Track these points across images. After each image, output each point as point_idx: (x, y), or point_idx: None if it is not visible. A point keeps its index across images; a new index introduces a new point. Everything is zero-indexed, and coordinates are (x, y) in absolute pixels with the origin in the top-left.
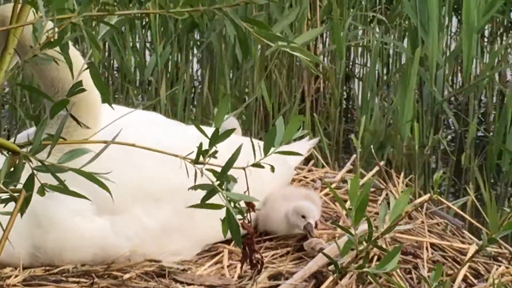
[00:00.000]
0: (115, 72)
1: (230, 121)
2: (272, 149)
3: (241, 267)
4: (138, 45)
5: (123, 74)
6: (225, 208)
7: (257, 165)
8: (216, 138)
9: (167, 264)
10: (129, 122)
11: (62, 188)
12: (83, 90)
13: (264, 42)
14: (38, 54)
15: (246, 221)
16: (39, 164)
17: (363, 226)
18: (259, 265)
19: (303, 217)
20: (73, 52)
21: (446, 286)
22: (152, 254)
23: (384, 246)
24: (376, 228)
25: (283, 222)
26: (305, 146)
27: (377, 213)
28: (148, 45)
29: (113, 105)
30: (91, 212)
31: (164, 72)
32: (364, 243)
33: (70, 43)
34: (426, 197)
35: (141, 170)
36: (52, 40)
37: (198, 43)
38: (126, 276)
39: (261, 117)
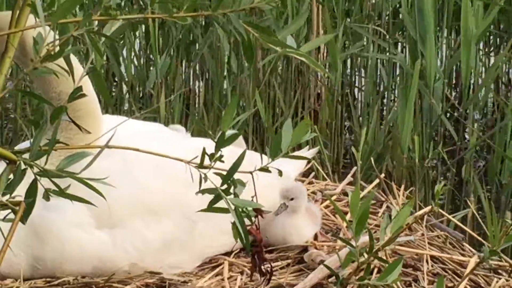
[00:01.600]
0: (114, 83)
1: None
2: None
3: (251, 276)
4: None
5: (122, 86)
6: (227, 218)
7: (264, 169)
8: (222, 142)
9: (167, 276)
10: (130, 132)
11: (64, 193)
12: (84, 95)
13: (270, 48)
14: (39, 67)
15: (254, 227)
16: (39, 170)
17: (364, 238)
18: (268, 274)
19: (292, 199)
20: (73, 60)
21: None
22: (152, 268)
23: (384, 258)
24: (377, 240)
25: (280, 234)
26: (305, 155)
27: (377, 226)
28: (146, 56)
29: (114, 115)
30: (90, 225)
31: (164, 83)
32: (365, 255)
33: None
34: (427, 209)
35: (141, 183)
36: (52, 53)
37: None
38: None
39: (257, 128)
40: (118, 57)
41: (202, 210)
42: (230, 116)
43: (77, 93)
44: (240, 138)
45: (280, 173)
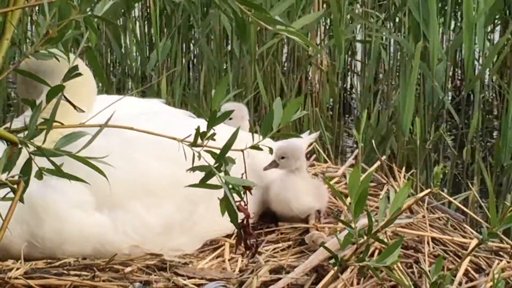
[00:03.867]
0: (117, 65)
1: (239, 107)
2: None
3: (235, 250)
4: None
5: (123, 68)
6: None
7: (255, 147)
8: (214, 120)
9: (168, 258)
10: (131, 112)
11: (60, 172)
12: (79, 74)
13: (262, 25)
14: (40, 50)
15: (243, 203)
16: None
17: (364, 220)
18: (253, 248)
19: (283, 158)
20: None
21: (447, 279)
22: (153, 251)
23: (385, 240)
24: (377, 221)
25: (288, 210)
26: (305, 140)
27: (378, 208)
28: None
29: (111, 95)
30: (90, 206)
31: (165, 66)
32: (365, 237)
33: None
34: (426, 191)
35: (141, 165)
36: (53, 36)
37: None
38: (128, 269)
39: (259, 110)
40: (119, 38)
41: (193, 185)
42: (221, 94)
43: (73, 72)
44: (243, 106)
45: (271, 150)
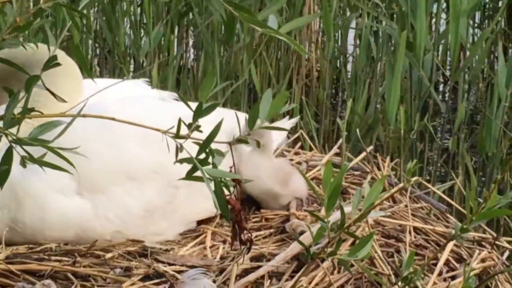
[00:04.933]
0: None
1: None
2: (258, 123)
3: (231, 245)
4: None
5: (116, 54)
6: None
7: (241, 140)
8: (200, 112)
9: (149, 244)
10: (117, 97)
11: (37, 161)
12: (58, 64)
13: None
14: (7, 39)
15: (234, 197)
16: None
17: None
18: (248, 243)
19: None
20: None
21: (418, 275)
22: (135, 235)
23: (366, 229)
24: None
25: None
26: (285, 125)
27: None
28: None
29: (99, 79)
30: (71, 190)
31: (157, 53)
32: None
33: None
34: (399, 186)
35: (123, 150)
36: (20, 24)
37: (191, 27)
38: (108, 255)
39: (250, 98)
40: (110, 25)
41: (181, 179)
42: (209, 86)
43: (52, 62)
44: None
45: (258, 144)
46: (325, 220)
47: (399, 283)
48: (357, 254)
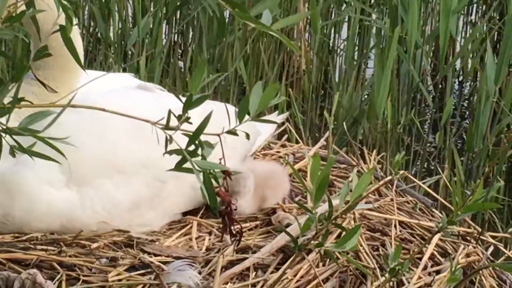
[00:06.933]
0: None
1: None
2: (247, 116)
3: (221, 237)
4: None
5: (107, 44)
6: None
7: (231, 132)
8: (189, 104)
9: (135, 235)
10: (106, 89)
11: (27, 150)
12: (49, 54)
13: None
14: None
15: (223, 189)
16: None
17: (327, 205)
18: (238, 235)
19: None
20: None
21: (405, 267)
22: (120, 227)
23: (352, 222)
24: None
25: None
26: (275, 120)
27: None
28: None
29: (92, 71)
30: (60, 182)
31: (146, 43)
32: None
33: None
34: (387, 179)
35: (111, 143)
36: (13, 15)
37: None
38: (94, 245)
39: (239, 90)
40: (104, 15)
41: (170, 170)
42: (199, 79)
43: (43, 52)
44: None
45: (248, 136)
46: (313, 212)
47: (386, 275)
48: (344, 246)
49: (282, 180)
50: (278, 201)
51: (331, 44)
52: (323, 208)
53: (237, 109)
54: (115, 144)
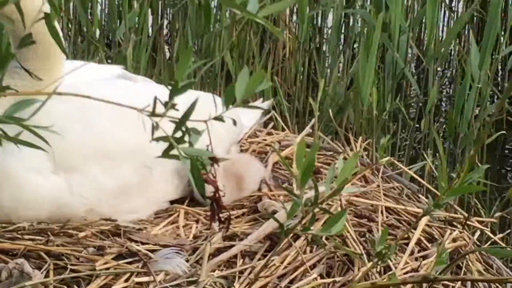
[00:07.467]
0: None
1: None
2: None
3: (210, 224)
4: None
5: (91, 35)
6: (183, 163)
7: (218, 118)
8: (175, 91)
9: (122, 223)
10: (91, 78)
11: (13, 138)
12: (33, 42)
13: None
14: None
15: (211, 176)
16: None
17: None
18: (227, 222)
19: None
20: None
21: (392, 249)
22: (108, 213)
23: (339, 209)
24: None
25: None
26: (262, 106)
27: (334, 177)
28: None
29: (75, 60)
30: (47, 170)
31: (133, 33)
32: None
33: None
34: (375, 164)
35: (98, 129)
36: None
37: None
38: (82, 234)
39: (225, 78)
40: (86, 6)
41: (158, 157)
42: (185, 65)
43: (27, 40)
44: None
45: (234, 122)
46: (299, 196)
47: (374, 259)
48: (330, 230)
49: (252, 164)
50: (256, 185)
51: (316, 33)
52: (309, 194)
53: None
54: (103, 131)
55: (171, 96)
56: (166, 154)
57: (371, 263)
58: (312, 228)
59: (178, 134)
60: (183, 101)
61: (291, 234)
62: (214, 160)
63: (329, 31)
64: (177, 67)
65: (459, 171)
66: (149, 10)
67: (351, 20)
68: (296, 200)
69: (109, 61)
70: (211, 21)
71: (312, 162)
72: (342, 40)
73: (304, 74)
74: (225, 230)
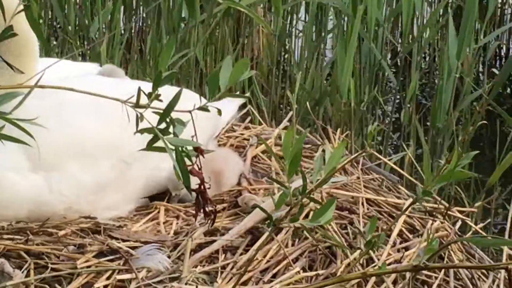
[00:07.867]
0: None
1: (112, 69)
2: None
3: (195, 217)
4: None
5: (66, 31)
6: (164, 156)
7: (203, 108)
8: (159, 81)
9: (102, 221)
10: (66, 75)
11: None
12: (15, 34)
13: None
14: None
15: (196, 167)
16: None
17: (299, 181)
18: (212, 215)
19: None
20: None
21: (381, 238)
22: (87, 210)
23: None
24: (311, 182)
25: None
26: (233, 103)
27: (313, 169)
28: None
29: (51, 58)
30: (25, 168)
31: (107, 30)
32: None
33: None
34: (362, 151)
35: (75, 126)
36: None
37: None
38: (61, 232)
39: (199, 73)
40: (62, 4)
41: (142, 149)
42: (167, 56)
43: (8, 32)
44: (115, 67)
45: (220, 112)
46: (287, 186)
47: (356, 253)
48: (319, 220)
49: (230, 158)
50: (235, 179)
51: (288, 26)
52: (294, 184)
53: (198, 96)
54: (80, 127)
55: (154, 87)
56: (150, 146)
57: (354, 254)
58: (300, 217)
59: (162, 124)
60: (163, 96)
61: (274, 228)
62: (199, 151)
63: (302, 25)
64: (161, 57)
65: (448, 157)
66: (122, 7)
67: (323, 15)
68: (285, 190)
69: (82, 58)
70: (195, 14)
71: (300, 151)
72: (316, 33)
73: (279, 68)
74: (211, 223)
